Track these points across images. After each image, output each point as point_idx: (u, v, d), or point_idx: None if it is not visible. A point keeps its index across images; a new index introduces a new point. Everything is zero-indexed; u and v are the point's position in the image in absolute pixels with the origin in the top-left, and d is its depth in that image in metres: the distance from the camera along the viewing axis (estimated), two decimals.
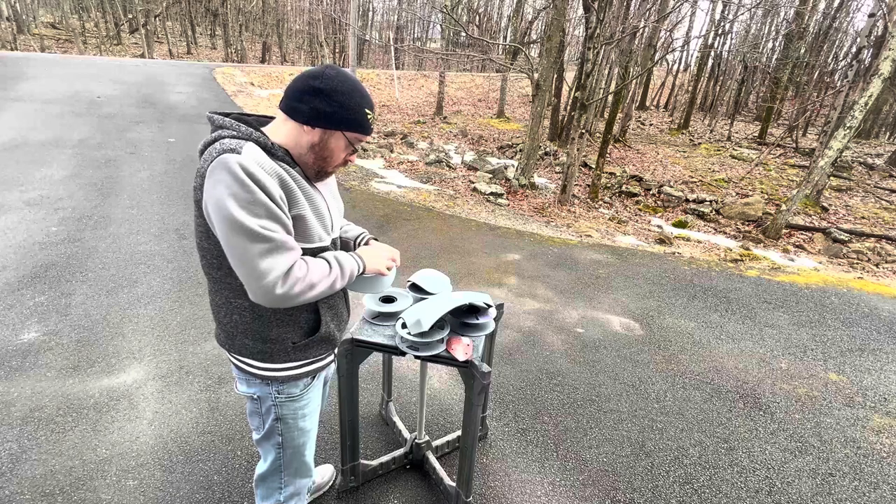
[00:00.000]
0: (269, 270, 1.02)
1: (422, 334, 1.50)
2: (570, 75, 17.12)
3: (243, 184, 0.98)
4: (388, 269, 1.35)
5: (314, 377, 1.32)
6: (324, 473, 1.94)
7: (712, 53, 20.31)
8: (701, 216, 8.67)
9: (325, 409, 1.76)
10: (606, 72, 16.39)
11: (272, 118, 1.19)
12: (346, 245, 1.42)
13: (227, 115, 1.12)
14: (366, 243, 1.43)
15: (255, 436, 1.35)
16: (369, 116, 1.14)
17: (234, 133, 1.06)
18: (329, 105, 1.08)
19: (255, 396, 1.27)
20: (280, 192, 1.05)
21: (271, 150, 1.08)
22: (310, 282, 1.09)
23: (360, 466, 1.93)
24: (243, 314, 1.17)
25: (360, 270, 1.26)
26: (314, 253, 1.17)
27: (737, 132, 18.17)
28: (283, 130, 1.12)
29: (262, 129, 1.13)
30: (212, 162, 1.01)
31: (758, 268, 5.11)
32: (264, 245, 1.01)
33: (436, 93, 16.50)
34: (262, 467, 1.41)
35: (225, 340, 1.23)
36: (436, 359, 1.52)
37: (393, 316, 1.69)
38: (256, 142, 1.06)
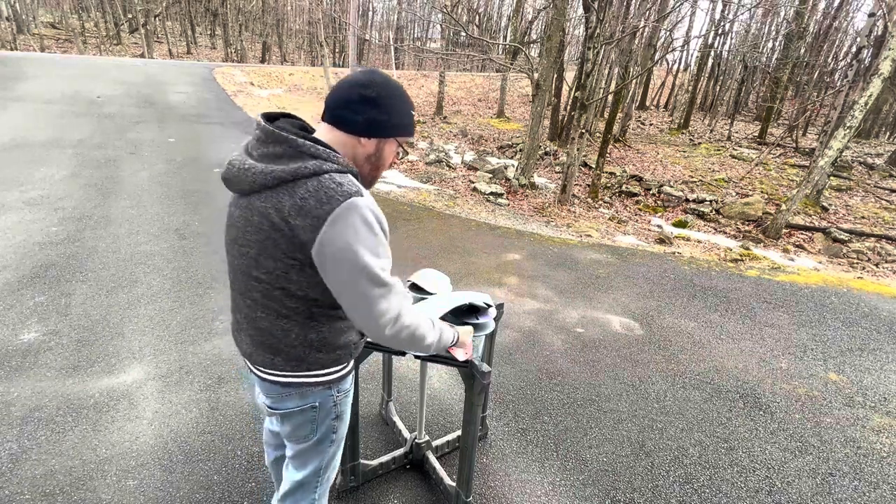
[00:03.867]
0: (384, 312, 1.06)
1: None
2: (570, 75, 17.10)
3: (372, 229, 1.01)
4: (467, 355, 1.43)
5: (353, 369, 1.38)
6: None
7: (712, 53, 20.31)
8: (701, 216, 8.66)
9: None
10: (606, 72, 16.38)
11: (306, 124, 1.14)
12: None
13: (295, 130, 1.03)
14: None
15: (302, 445, 1.32)
16: (414, 117, 1.16)
17: (337, 166, 1.02)
18: (383, 113, 1.06)
19: (315, 405, 1.26)
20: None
21: (356, 175, 1.07)
22: (414, 334, 1.15)
23: (360, 466, 1.93)
24: (321, 331, 1.17)
25: (454, 342, 1.32)
26: None
27: (737, 132, 18.17)
28: (337, 144, 1.08)
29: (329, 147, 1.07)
30: (338, 206, 0.97)
31: (758, 267, 5.11)
32: (383, 289, 1.04)
33: (436, 93, 16.50)
34: (296, 476, 1.38)
35: (293, 364, 1.18)
36: (436, 359, 1.52)
37: None
38: (351, 172, 1.05)
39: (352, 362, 1.31)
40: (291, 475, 1.40)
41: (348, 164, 1.05)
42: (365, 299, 1.04)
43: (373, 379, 2.64)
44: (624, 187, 9.71)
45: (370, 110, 1.05)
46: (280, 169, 0.99)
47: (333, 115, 1.07)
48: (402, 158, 1.22)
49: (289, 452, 1.38)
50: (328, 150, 1.03)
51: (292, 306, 1.12)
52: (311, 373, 1.22)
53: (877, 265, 6.53)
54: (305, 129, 1.13)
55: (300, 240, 1.00)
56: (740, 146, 14.91)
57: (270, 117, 1.11)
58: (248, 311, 1.16)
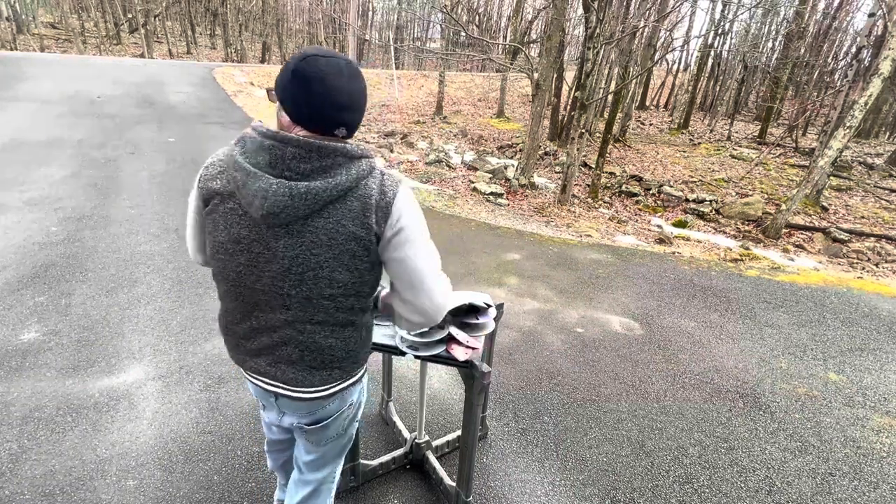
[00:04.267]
0: (441, 286, 1.11)
1: (422, 334, 1.50)
2: (570, 75, 17.09)
3: (419, 207, 1.08)
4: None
5: None
6: None
7: (712, 53, 20.30)
8: (701, 216, 8.66)
9: None
10: (606, 72, 16.37)
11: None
12: None
13: (330, 138, 1.02)
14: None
15: (330, 444, 1.30)
16: None
17: (374, 159, 1.04)
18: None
19: (352, 401, 1.27)
20: None
21: None
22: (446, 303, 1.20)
23: (360, 466, 1.93)
24: (368, 324, 1.19)
25: None
26: None
27: (737, 132, 18.14)
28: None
29: None
30: (398, 191, 1.02)
31: (758, 267, 5.11)
32: (437, 260, 1.11)
33: (436, 93, 16.50)
34: (317, 475, 1.35)
35: (348, 369, 1.18)
36: (436, 359, 1.52)
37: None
38: None
39: None
40: (312, 476, 1.36)
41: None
42: (434, 273, 1.09)
43: (373, 379, 2.64)
44: (624, 187, 9.71)
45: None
46: (344, 179, 0.96)
47: (357, 125, 1.03)
48: None
49: (308, 456, 1.32)
50: (364, 147, 1.03)
51: (359, 308, 1.12)
52: (359, 371, 1.23)
53: (877, 265, 6.53)
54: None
55: (376, 234, 1.01)
56: (740, 146, 14.90)
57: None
58: (305, 336, 1.08)
